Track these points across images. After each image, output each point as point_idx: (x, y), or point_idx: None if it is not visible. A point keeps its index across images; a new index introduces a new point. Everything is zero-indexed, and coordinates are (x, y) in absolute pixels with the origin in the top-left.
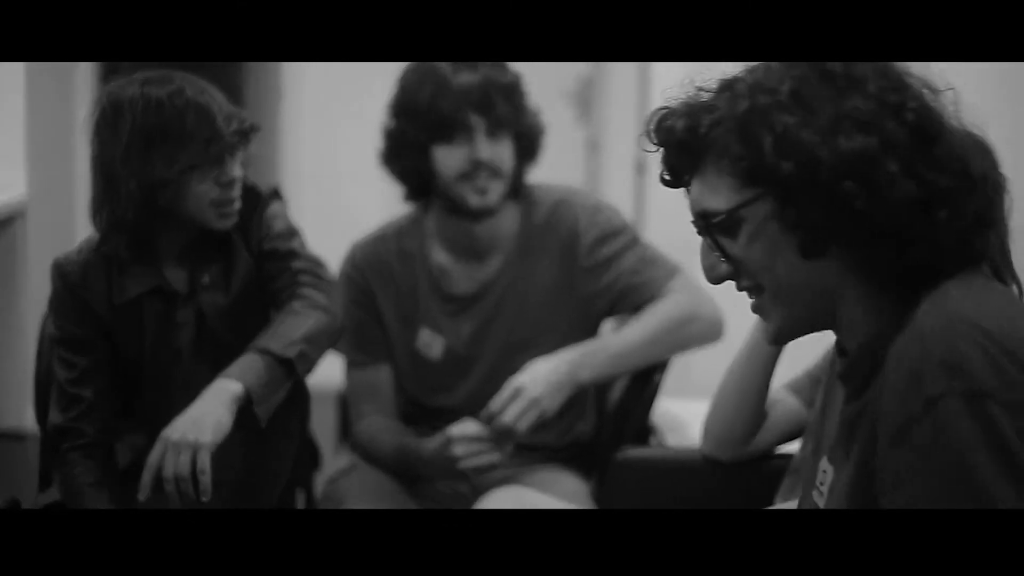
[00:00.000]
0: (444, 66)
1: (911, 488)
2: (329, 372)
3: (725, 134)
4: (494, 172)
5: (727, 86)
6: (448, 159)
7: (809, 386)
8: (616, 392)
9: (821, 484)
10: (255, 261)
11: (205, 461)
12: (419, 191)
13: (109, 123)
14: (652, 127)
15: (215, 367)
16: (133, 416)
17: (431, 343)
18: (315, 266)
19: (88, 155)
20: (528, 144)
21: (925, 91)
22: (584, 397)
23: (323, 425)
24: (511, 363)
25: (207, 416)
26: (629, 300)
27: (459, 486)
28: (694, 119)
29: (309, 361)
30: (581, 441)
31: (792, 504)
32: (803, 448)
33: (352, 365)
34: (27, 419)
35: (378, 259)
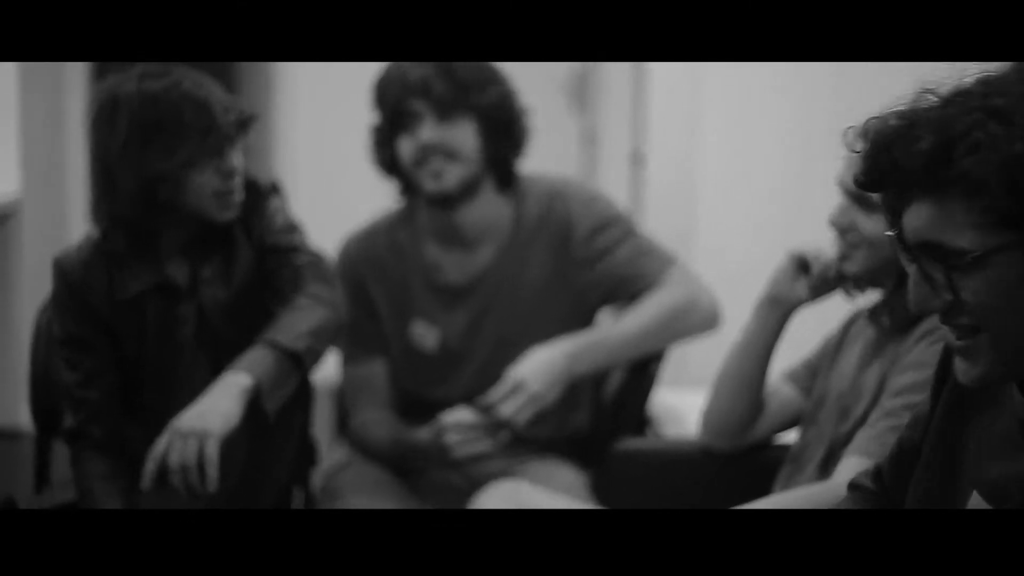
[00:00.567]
0: (408, 63)
1: None
2: (325, 366)
3: (986, 170)
4: (448, 155)
5: (978, 104)
6: (403, 148)
7: (807, 376)
8: (613, 383)
9: None
10: (256, 256)
11: (212, 451)
12: (406, 184)
13: (106, 119)
14: (885, 135)
15: (215, 362)
16: (136, 412)
17: (425, 335)
18: (317, 261)
19: (83, 152)
20: (497, 125)
21: None
22: (580, 389)
23: (320, 419)
24: (506, 354)
25: (216, 407)
26: (624, 290)
27: (453, 478)
28: (944, 140)
29: (316, 355)
30: (578, 433)
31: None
32: (801, 437)
33: (347, 359)
34: (22, 417)
35: (370, 252)
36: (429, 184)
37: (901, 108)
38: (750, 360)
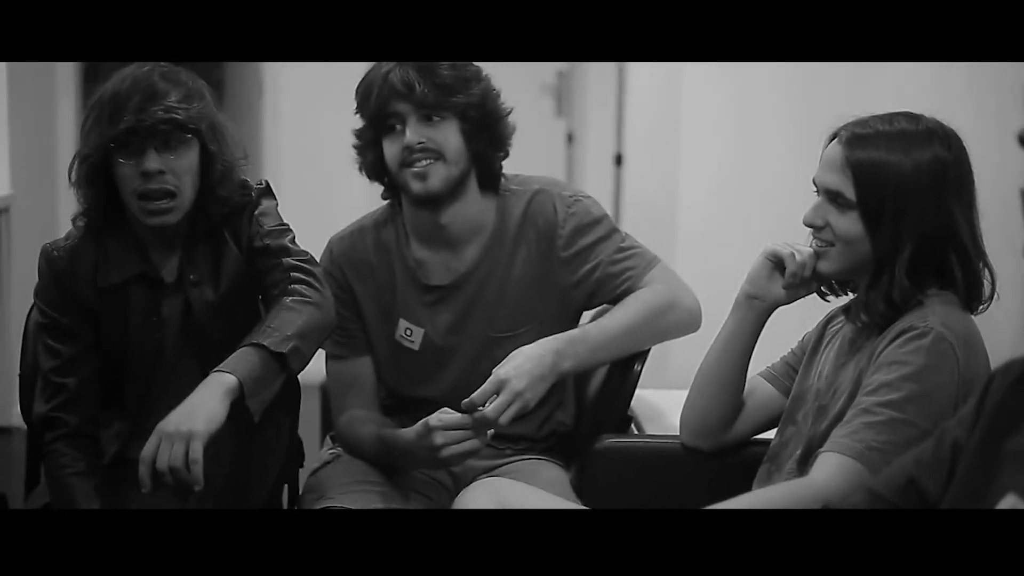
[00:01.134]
0: (388, 64)
1: None
2: (312, 364)
3: None
4: (434, 155)
5: None
6: (388, 150)
7: (785, 375)
8: (595, 381)
9: None
10: (245, 257)
11: (198, 450)
12: (391, 186)
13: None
14: None
15: (200, 361)
16: (116, 407)
17: (410, 334)
18: (306, 262)
19: (73, 150)
20: (481, 125)
21: None
22: (564, 387)
23: (307, 417)
24: (491, 353)
25: (200, 407)
26: (608, 290)
27: (439, 476)
28: None
29: (302, 356)
30: (561, 431)
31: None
32: (779, 435)
33: (332, 358)
34: (13, 415)
35: (355, 252)
36: (414, 185)
37: None
38: (728, 358)
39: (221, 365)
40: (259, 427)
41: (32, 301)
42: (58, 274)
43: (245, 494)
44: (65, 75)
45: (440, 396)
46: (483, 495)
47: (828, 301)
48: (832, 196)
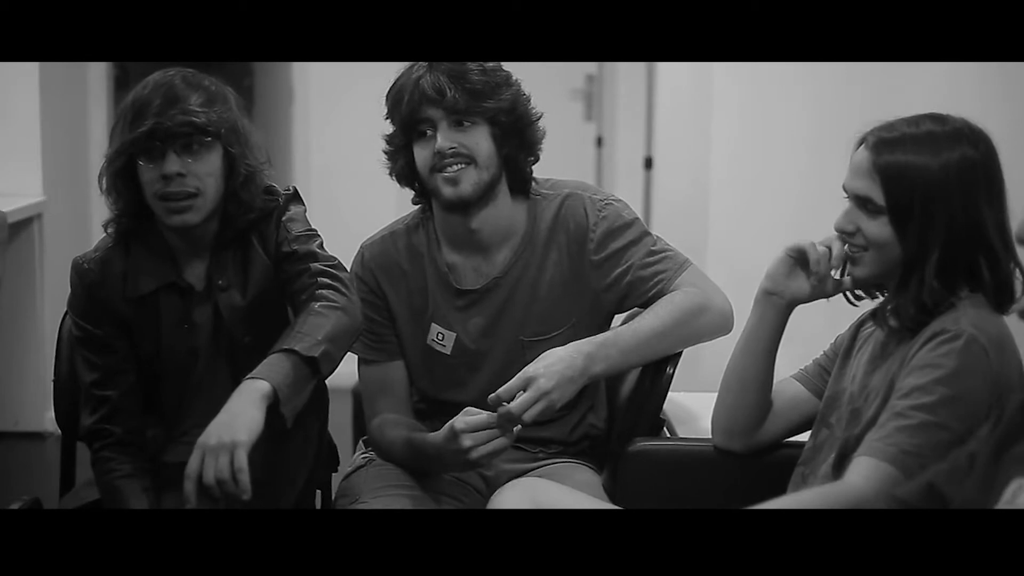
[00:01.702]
0: (418, 66)
1: None
2: (344, 369)
3: None
4: (465, 160)
5: None
6: (419, 155)
7: (817, 376)
8: (627, 385)
9: None
10: (273, 262)
11: (242, 459)
12: (422, 191)
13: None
14: None
15: (232, 366)
16: (151, 413)
17: (442, 339)
18: (334, 267)
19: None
20: (511, 130)
21: None
22: (596, 390)
23: (339, 421)
24: (522, 357)
25: (239, 416)
26: (639, 293)
27: (470, 478)
28: None
29: (332, 360)
30: (593, 434)
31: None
32: (813, 438)
33: (364, 363)
34: (47, 421)
35: (387, 257)
36: (447, 191)
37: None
38: (750, 356)
39: (253, 372)
40: (289, 433)
41: (64, 307)
42: (89, 286)
43: (274, 500)
44: (97, 82)
45: (472, 400)
46: (517, 495)
47: (856, 305)
48: (862, 202)
